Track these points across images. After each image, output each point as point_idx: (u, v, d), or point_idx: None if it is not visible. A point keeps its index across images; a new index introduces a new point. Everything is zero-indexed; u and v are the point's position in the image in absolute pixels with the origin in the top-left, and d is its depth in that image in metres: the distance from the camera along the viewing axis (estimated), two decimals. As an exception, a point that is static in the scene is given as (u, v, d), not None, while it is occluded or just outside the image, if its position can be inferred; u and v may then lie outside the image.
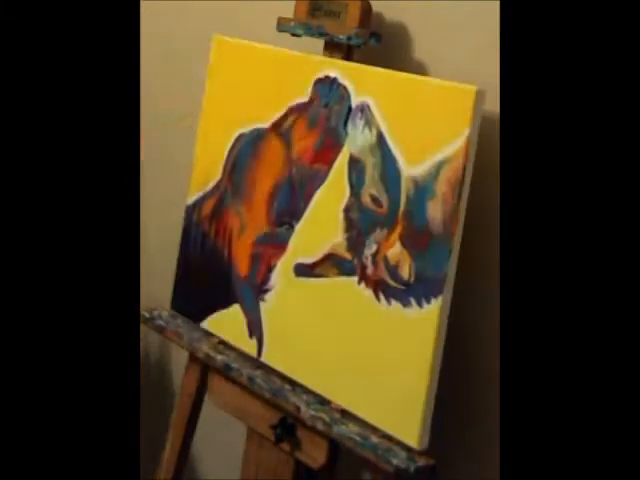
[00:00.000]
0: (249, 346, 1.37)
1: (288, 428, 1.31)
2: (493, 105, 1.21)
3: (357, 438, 1.20)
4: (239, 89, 1.43)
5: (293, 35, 1.38)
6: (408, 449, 1.18)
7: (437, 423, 1.31)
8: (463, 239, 1.23)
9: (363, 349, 1.23)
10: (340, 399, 1.26)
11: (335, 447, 1.26)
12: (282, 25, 1.39)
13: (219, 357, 1.39)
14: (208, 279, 1.45)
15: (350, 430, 1.22)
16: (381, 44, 1.31)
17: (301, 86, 1.32)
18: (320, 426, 1.24)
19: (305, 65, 1.33)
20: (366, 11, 1.31)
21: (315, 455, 1.28)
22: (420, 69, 1.33)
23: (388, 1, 1.36)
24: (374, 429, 1.21)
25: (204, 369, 1.46)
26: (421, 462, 1.17)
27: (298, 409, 1.27)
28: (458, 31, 1.28)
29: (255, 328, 1.37)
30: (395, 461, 1.16)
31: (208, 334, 1.44)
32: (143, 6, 1.43)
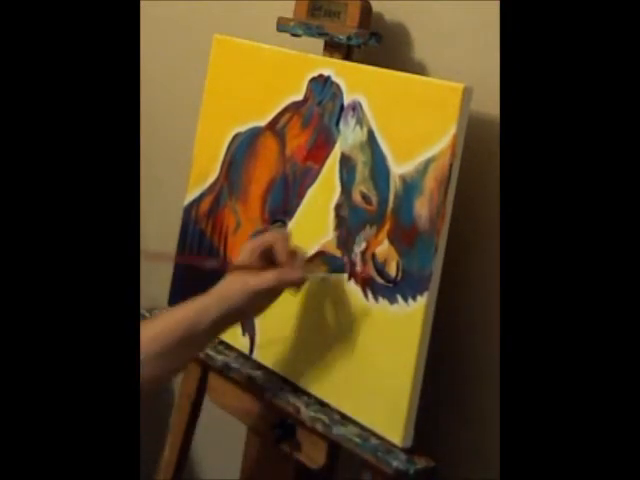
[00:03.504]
0: (241, 344, 1.38)
1: (288, 429, 1.31)
2: (493, 105, 1.21)
3: (357, 440, 1.20)
4: (238, 88, 1.43)
5: (293, 35, 1.38)
6: (408, 451, 1.18)
7: (437, 423, 1.32)
8: (461, 239, 1.23)
9: (351, 346, 1.24)
10: (326, 395, 1.26)
11: (335, 448, 1.26)
12: (282, 25, 1.39)
13: (219, 357, 1.39)
14: (204, 276, 1.45)
15: (350, 432, 1.21)
16: (381, 44, 1.31)
17: (297, 84, 1.33)
18: (320, 427, 1.24)
19: (301, 64, 1.33)
20: (366, 11, 1.31)
21: (315, 456, 1.28)
22: (420, 69, 1.33)
23: (388, 1, 1.36)
24: (374, 431, 1.21)
25: (204, 369, 1.46)
26: (421, 464, 1.17)
27: (298, 410, 1.27)
28: (458, 31, 1.28)
29: (247, 325, 1.37)
30: (395, 463, 1.16)
31: (208, 334, 1.44)
32: (143, 6, 1.43)
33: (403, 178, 1.19)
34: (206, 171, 1.46)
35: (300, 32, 1.37)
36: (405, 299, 1.18)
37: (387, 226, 1.21)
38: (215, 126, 1.45)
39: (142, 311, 1.50)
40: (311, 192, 1.30)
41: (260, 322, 1.36)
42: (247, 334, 1.37)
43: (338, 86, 1.28)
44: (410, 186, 1.18)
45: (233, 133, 1.42)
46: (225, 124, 1.43)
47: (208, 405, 1.49)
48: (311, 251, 1.29)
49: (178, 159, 1.73)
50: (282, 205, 1.34)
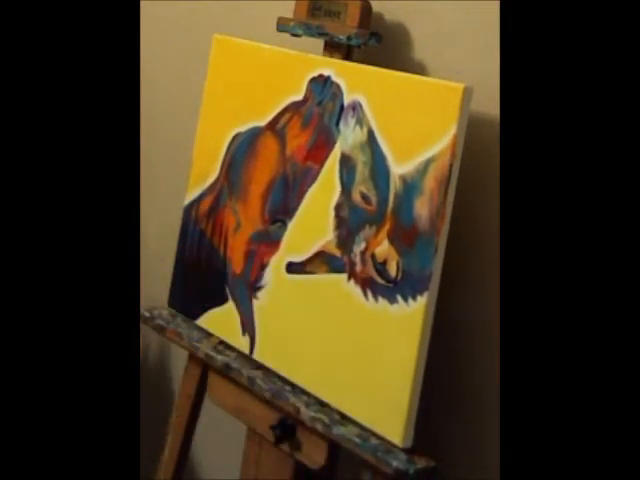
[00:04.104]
0: (242, 344, 1.38)
1: (288, 429, 1.31)
2: (493, 105, 1.21)
3: (357, 440, 1.20)
4: (238, 88, 1.43)
5: (293, 35, 1.38)
6: (408, 451, 1.18)
7: (437, 423, 1.32)
8: (461, 239, 1.23)
9: (350, 346, 1.24)
10: (326, 395, 1.26)
11: (335, 448, 1.26)
12: (282, 25, 1.39)
13: (219, 357, 1.39)
14: (204, 277, 1.46)
15: (350, 431, 1.21)
16: (381, 44, 1.31)
17: (297, 84, 1.33)
18: (320, 427, 1.24)
19: (301, 64, 1.33)
20: (366, 11, 1.31)
21: (315, 456, 1.28)
22: (420, 69, 1.33)
23: (388, 1, 1.36)
24: (374, 431, 1.21)
25: (204, 369, 1.46)
26: (421, 464, 1.17)
27: (298, 410, 1.27)
28: (458, 31, 1.28)
29: (248, 325, 1.37)
30: (395, 463, 1.16)
31: (208, 334, 1.44)
32: (143, 6, 1.43)
33: (403, 178, 1.19)
34: (206, 171, 1.46)
35: (300, 32, 1.37)
36: (405, 299, 1.18)
37: (387, 226, 1.21)
38: (215, 126, 1.45)
39: (142, 311, 1.50)
40: (311, 192, 1.30)
41: (260, 322, 1.36)
42: (247, 334, 1.38)
43: (338, 86, 1.28)
44: (410, 186, 1.18)
45: (233, 133, 1.42)
46: (225, 124, 1.43)
47: (208, 405, 1.49)
48: (311, 251, 1.29)
49: (178, 159, 1.73)
50: (282, 205, 1.34)
